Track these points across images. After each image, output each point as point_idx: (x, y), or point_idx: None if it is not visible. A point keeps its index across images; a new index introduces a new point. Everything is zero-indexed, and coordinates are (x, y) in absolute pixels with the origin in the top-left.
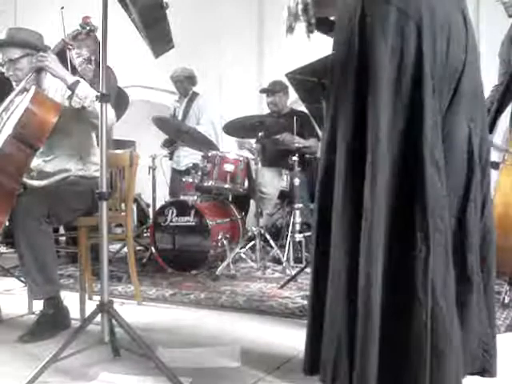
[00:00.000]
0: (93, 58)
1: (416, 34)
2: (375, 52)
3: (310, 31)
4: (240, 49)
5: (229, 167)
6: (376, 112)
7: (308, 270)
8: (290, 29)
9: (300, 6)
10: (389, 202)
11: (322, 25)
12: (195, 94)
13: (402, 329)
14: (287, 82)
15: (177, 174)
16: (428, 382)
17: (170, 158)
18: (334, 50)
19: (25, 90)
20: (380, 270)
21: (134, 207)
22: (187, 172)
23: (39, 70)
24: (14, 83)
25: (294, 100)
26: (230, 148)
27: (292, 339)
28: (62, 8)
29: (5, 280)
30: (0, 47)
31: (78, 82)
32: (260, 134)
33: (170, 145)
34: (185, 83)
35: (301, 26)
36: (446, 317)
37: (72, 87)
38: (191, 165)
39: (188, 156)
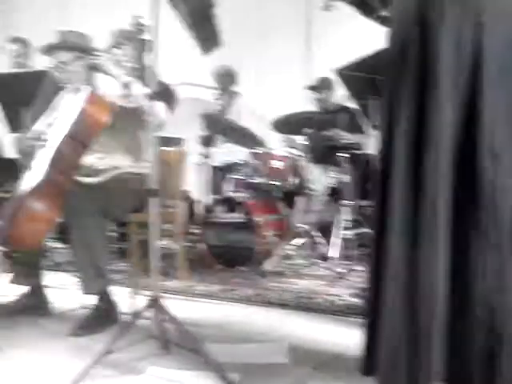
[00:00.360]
0: (133, 60)
1: (477, 28)
2: (436, 48)
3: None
4: (287, 46)
5: (277, 164)
6: (437, 108)
7: (356, 267)
8: (327, 6)
9: None
10: (451, 200)
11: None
12: (235, 93)
13: (467, 330)
14: (335, 78)
15: (216, 170)
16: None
17: (206, 156)
18: (392, 44)
19: (78, 89)
20: (443, 270)
21: (183, 203)
22: (227, 169)
23: (92, 70)
24: (65, 85)
25: (341, 96)
26: (278, 145)
27: (340, 337)
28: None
29: (57, 275)
30: (51, 51)
31: (130, 81)
32: (308, 130)
33: (207, 142)
34: (224, 81)
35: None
36: None
37: (126, 86)
38: (230, 162)
39: (227, 153)
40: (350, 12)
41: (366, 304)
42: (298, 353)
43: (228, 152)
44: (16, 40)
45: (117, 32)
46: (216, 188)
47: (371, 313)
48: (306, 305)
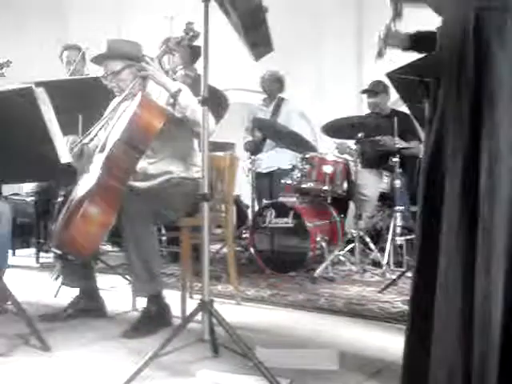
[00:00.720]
0: (183, 66)
1: None
2: (492, 61)
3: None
4: (339, 50)
5: (328, 169)
6: (494, 121)
7: (409, 274)
8: (380, 53)
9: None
10: (509, 211)
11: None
12: (282, 100)
13: None
14: (388, 82)
15: (261, 176)
16: None
17: (251, 162)
18: (443, 48)
19: (131, 95)
20: (500, 285)
21: (234, 208)
22: (277, 174)
23: (143, 77)
24: (117, 93)
25: (394, 100)
26: (329, 149)
27: (392, 344)
28: (171, 17)
29: (110, 277)
30: (102, 60)
31: (179, 90)
32: (360, 134)
33: (254, 148)
34: (272, 87)
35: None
36: None
37: (174, 96)
38: (281, 167)
39: (271, 159)
40: (403, 13)
41: (409, 317)
42: (349, 360)
43: (279, 157)
44: (71, 47)
45: (168, 39)
46: (266, 193)
47: (414, 326)
48: (357, 311)
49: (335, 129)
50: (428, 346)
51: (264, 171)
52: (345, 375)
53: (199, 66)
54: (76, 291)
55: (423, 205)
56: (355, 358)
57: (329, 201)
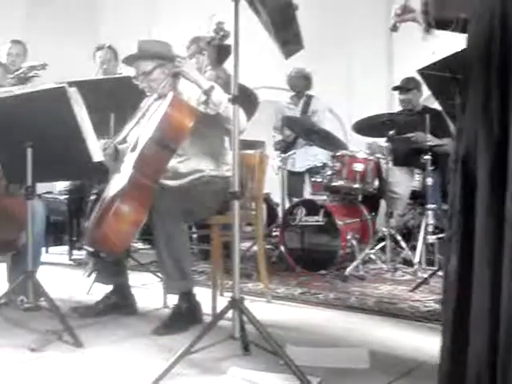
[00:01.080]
0: (211, 67)
1: None
2: None
3: (427, 32)
4: (369, 47)
5: (358, 166)
6: None
7: (440, 273)
8: (394, 27)
9: (421, 8)
10: None
11: (441, 24)
12: (310, 96)
13: None
14: (420, 79)
15: (294, 175)
16: None
17: (281, 160)
18: (470, 45)
19: (162, 95)
20: None
21: (264, 206)
22: (307, 172)
23: (175, 76)
24: (149, 92)
25: (426, 97)
26: (360, 147)
27: (423, 344)
28: (213, 15)
29: (142, 275)
30: (133, 61)
31: (212, 87)
32: (391, 132)
33: (284, 147)
34: (300, 84)
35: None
36: None
37: (207, 93)
38: (311, 165)
39: (304, 158)
40: None
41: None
42: (380, 359)
43: (309, 154)
44: (103, 47)
45: (197, 39)
46: (297, 191)
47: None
48: (388, 310)
49: (366, 127)
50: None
51: (296, 170)
52: (375, 374)
53: (229, 64)
54: (108, 288)
55: (453, 202)
56: (386, 357)
57: (359, 199)
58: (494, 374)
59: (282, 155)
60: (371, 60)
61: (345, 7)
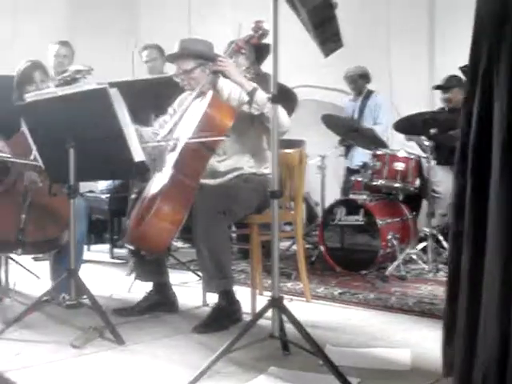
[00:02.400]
0: (248, 66)
1: None
2: None
3: None
4: (410, 45)
5: (399, 165)
6: None
7: None
8: None
9: None
10: None
11: None
12: (370, 92)
13: None
14: (463, 76)
15: (350, 172)
16: None
17: (346, 157)
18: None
19: (202, 94)
20: None
21: (303, 206)
22: (348, 171)
23: (215, 74)
24: (189, 91)
25: None
26: (401, 146)
27: None
28: (240, 24)
29: (181, 273)
30: (175, 59)
31: (256, 88)
32: (432, 130)
33: (346, 143)
34: (359, 82)
35: None
36: None
37: (251, 94)
38: (352, 164)
39: (361, 154)
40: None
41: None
42: (421, 360)
43: (363, 153)
44: (150, 46)
45: (238, 38)
46: (342, 191)
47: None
48: (429, 311)
49: (407, 125)
50: None
51: (353, 167)
52: (416, 376)
53: (267, 64)
54: (149, 286)
55: (471, 198)
56: (427, 358)
57: (400, 198)
58: (504, 365)
59: (339, 152)
60: (412, 57)
61: (384, 3)
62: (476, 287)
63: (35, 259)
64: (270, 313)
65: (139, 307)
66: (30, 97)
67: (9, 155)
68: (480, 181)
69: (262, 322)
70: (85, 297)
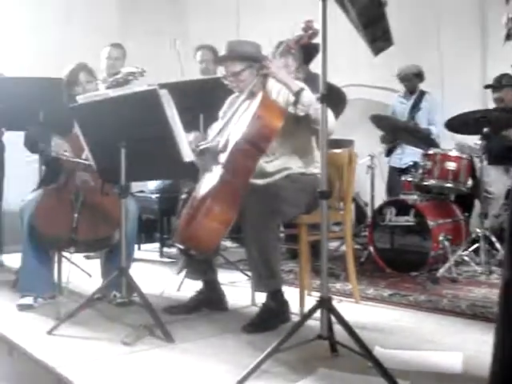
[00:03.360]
0: (297, 67)
1: None
2: None
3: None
4: (461, 43)
5: (451, 165)
6: None
7: None
8: (510, 36)
9: None
10: None
11: None
12: (423, 92)
13: None
14: None
15: (396, 172)
16: None
17: (387, 155)
18: None
19: (251, 94)
20: None
21: (352, 206)
22: (407, 171)
23: (265, 75)
24: (237, 92)
25: None
26: (452, 145)
27: None
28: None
29: (230, 273)
30: (222, 61)
31: (302, 89)
32: (485, 129)
33: (389, 141)
34: (413, 81)
35: None
36: None
37: (296, 94)
38: (412, 163)
39: (412, 154)
40: None
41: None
42: (472, 364)
43: (413, 153)
44: (204, 47)
45: (287, 39)
46: (387, 190)
47: None
48: (481, 314)
49: (459, 124)
50: None
51: (402, 166)
52: (468, 380)
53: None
54: (198, 285)
55: None
56: (479, 362)
57: (452, 198)
58: None
59: (380, 150)
60: (463, 55)
61: (436, 2)
62: None
63: (87, 258)
64: (318, 313)
65: (189, 305)
66: (81, 98)
67: (73, 156)
68: None
69: (310, 322)
70: (135, 295)
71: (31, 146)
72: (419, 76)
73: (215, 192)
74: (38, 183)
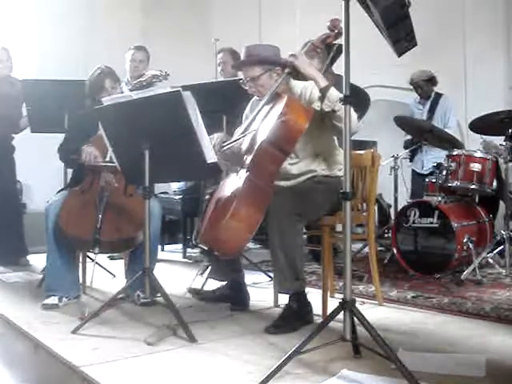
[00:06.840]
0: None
1: None
2: None
3: None
4: (486, 43)
5: (475, 166)
6: None
7: None
8: None
9: None
10: None
11: None
12: (438, 95)
13: None
14: None
15: (419, 177)
16: None
17: (411, 160)
18: None
19: (275, 96)
20: None
21: (376, 207)
22: (429, 176)
23: (288, 76)
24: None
25: None
26: (477, 146)
27: None
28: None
29: (253, 274)
30: (241, 67)
31: (329, 85)
32: (510, 130)
33: (412, 146)
34: (425, 87)
35: None
36: None
37: (324, 90)
38: (425, 165)
39: (432, 160)
40: None
41: None
42: (496, 367)
43: (434, 159)
44: (225, 50)
45: (314, 38)
46: (415, 194)
47: None
48: (506, 317)
49: (484, 125)
50: None
51: (424, 172)
52: (491, 383)
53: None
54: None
55: None
56: (503, 365)
57: (476, 200)
58: None
59: (404, 156)
60: (488, 56)
61: (459, 2)
62: None
63: (111, 258)
64: (341, 315)
65: (214, 293)
66: (106, 101)
67: (103, 161)
68: None
69: (333, 324)
70: (159, 295)
71: (66, 162)
72: (430, 81)
73: (241, 194)
74: (64, 185)
